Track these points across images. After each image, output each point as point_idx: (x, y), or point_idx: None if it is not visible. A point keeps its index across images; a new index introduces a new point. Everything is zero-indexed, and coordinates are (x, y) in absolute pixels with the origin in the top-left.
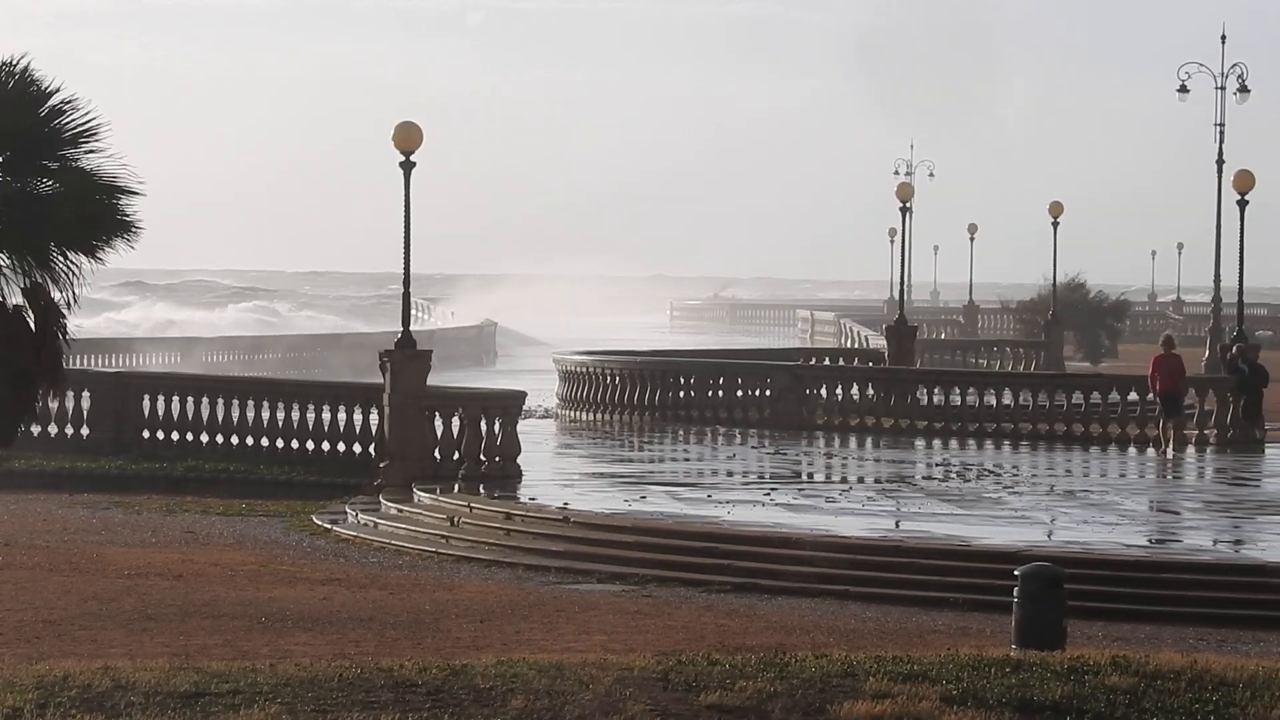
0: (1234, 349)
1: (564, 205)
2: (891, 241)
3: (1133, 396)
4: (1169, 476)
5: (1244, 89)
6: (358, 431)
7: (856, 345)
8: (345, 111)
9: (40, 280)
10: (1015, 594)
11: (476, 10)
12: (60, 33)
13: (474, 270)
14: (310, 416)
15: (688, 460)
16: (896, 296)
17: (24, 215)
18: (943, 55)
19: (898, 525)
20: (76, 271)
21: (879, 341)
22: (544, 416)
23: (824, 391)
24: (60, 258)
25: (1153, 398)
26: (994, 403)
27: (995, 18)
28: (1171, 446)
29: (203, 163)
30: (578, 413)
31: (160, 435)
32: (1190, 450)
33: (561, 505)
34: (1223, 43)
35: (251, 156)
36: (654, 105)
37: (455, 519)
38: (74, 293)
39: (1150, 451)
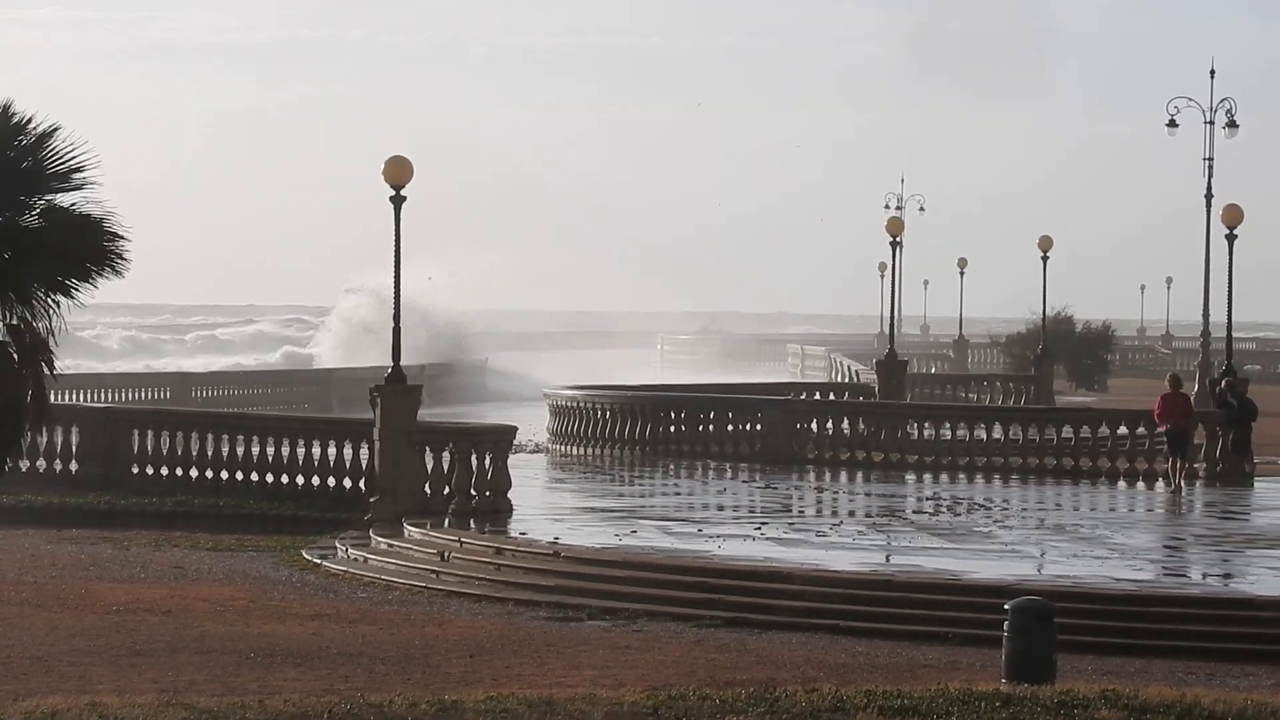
0: (1223, 383)
1: (555, 236)
2: (881, 276)
3: (1122, 430)
4: (1159, 510)
5: (1233, 124)
6: (348, 466)
7: (847, 379)
8: (339, 144)
9: (25, 316)
10: (1005, 628)
11: (477, 44)
12: (50, 68)
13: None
14: (300, 451)
15: (678, 495)
16: (887, 331)
17: (8, 251)
18: (933, 89)
19: (888, 559)
20: (71, 305)
21: (869, 376)
22: (535, 451)
23: (814, 426)
24: (44, 294)
25: (1160, 432)
26: (984, 437)
27: (984, 53)
28: (1181, 483)
29: (197, 196)
30: (568, 447)
31: (149, 470)
32: (1180, 483)
33: (552, 540)
34: (1211, 77)
35: (248, 189)
36: (644, 137)
37: (445, 554)
38: (52, 328)
39: (1141, 485)
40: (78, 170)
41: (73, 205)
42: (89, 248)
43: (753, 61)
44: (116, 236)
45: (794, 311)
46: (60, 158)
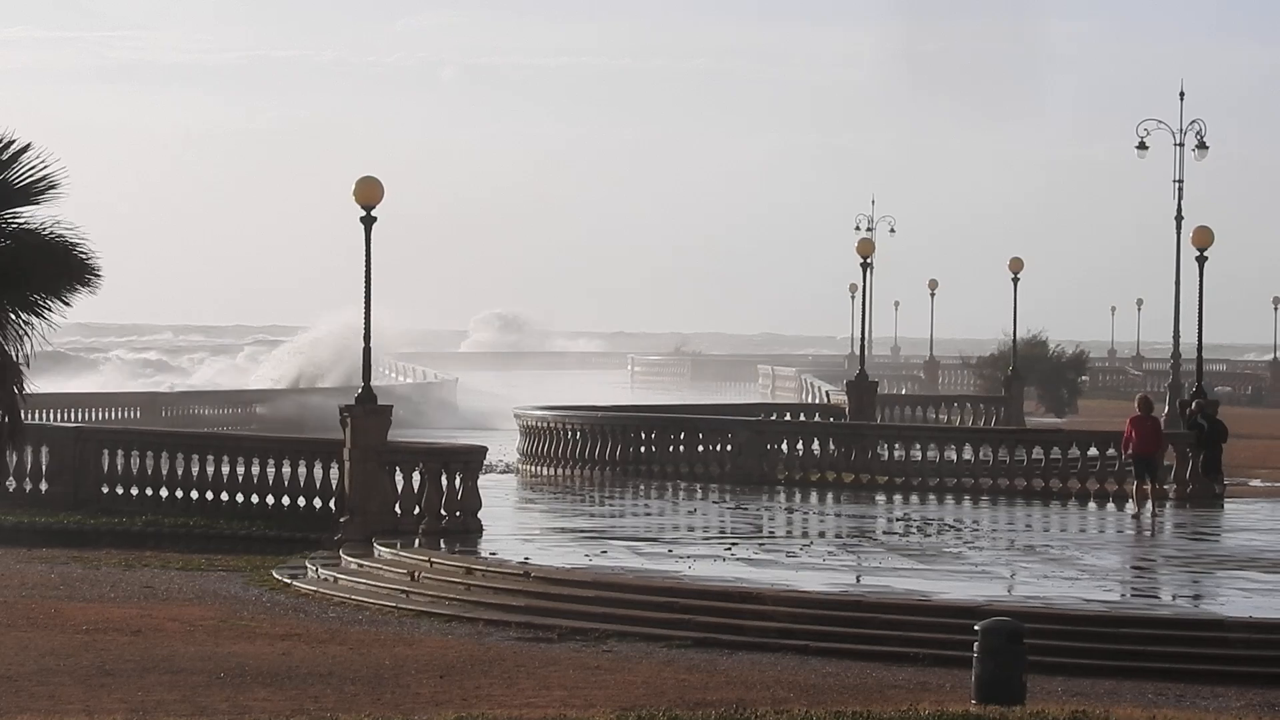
0: (1193, 404)
1: (523, 259)
2: (852, 297)
3: (1093, 452)
4: (1129, 532)
5: (1203, 145)
6: (318, 486)
7: (817, 400)
8: (312, 163)
9: None
10: (975, 649)
11: (449, 65)
12: (21, 87)
13: (443, 326)
14: (270, 471)
15: (649, 515)
16: (857, 352)
17: None
18: (905, 113)
19: (858, 580)
20: (38, 326)
21: (840, 397)
22: (505, 471)
23: (785, 447)
24: (16, 314)
25: (1126, 458)
26: (954, 458)
27: (957, 77)
28: (1149, 508)
29: (167, 216)
30: (539, 468)
31: (119, 490)
32: (1148, 505)
33: (522, 560)
34: (1181, 99)
35: (219, 209)
36: (617, 158)
37: (416, 574)
38: (27, 351)
39: (1111, 506)
40: (50, 188)
41: (43, 224)
42: (62, 266)
43: (725, 83)
44: (89, 254)
45: (786, 334)
46: (32, 176)
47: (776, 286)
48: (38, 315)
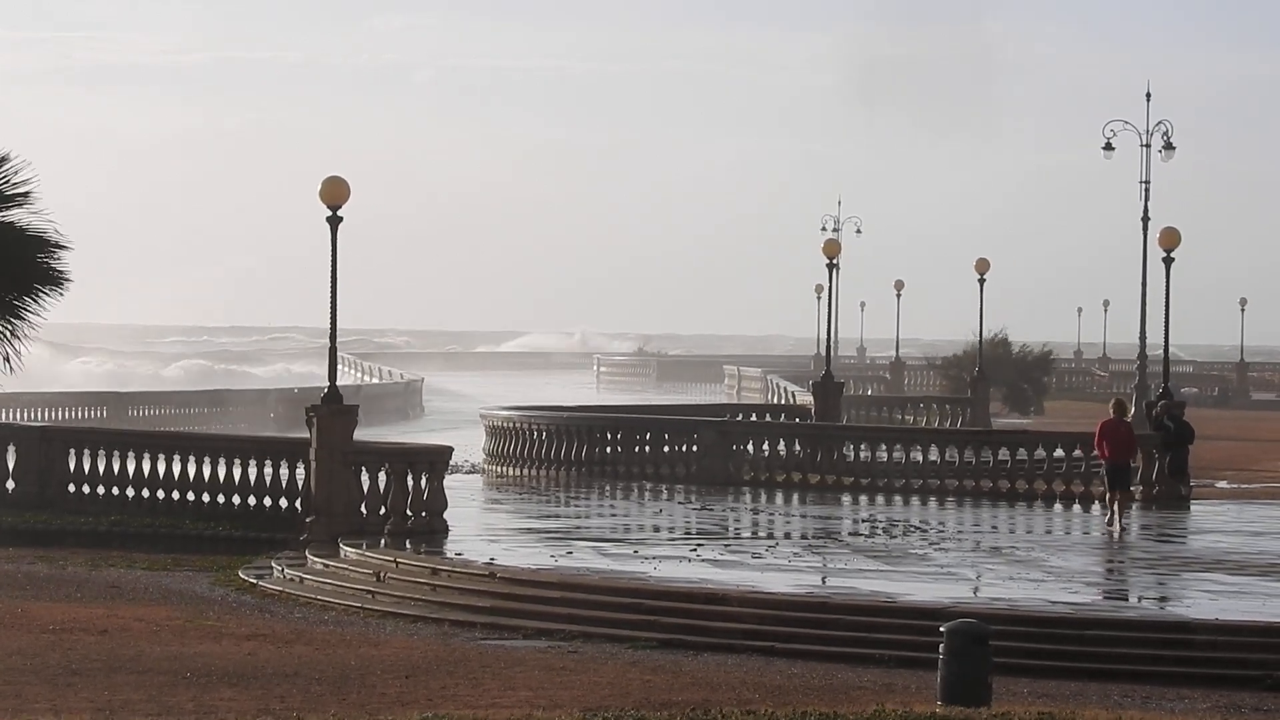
0: (1159, 406)
1: (493, 263)
2: (818, 298)
3: (1059, 453)
4: (1095, 534)
5: (1169, 146)
6: (284, 486)
7: (783, 401)
8: (277, 167)
9: None
10: (941, 650)
11: (423, 68)
12: None
13: (409, 327)
14: (236, 471)
15: (614, 516)
16: (823, 353)
17: None
18: (875, 117)
19: (824, 581)
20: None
21: (805, 397)
22: (471, 472)
23: (750, 447)
24: None
25: (1100, 463)
26: (920, 459)
27: (923, 77)
28: (1120, 521)
29: (131, 219)
30: (504, 468)
31: (85, 490)
32: (1118, 516)
33: (488, 561)
34: (1148, 100)
35: (196, 215)
36: (588, 161)
37: (381, 574)
38: (12, 348)
39: (1077, 508)
40: (26, 192)
41: (20, 224)
42: (36, 267)
43: (697, 87)
44: (59, 248)
45: (787, 335)
46: (8, 180)
47: (747, 288)
48: (19, 311)
